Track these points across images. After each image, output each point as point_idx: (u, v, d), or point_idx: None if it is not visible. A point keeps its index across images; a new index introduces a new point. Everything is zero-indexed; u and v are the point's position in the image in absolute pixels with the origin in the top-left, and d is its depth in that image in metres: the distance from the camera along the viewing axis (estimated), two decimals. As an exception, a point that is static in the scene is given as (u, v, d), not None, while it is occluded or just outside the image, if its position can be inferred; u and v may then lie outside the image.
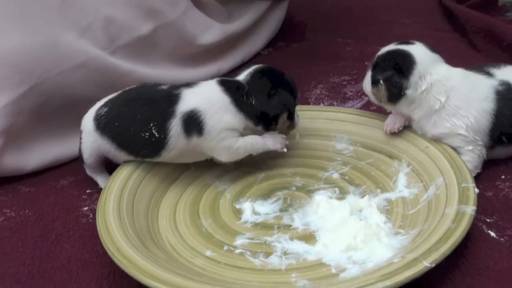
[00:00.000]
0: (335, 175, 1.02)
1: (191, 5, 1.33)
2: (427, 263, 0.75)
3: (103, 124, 0.97)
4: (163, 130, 0.93)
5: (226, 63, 1.43)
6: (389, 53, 1.00)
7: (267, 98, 0.96)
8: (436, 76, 0.97)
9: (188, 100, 0.94)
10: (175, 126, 0.93)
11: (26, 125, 1.05)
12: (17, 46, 1.02)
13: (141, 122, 0.93)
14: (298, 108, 1.12)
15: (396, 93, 0.98)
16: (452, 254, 0.78)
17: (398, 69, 0.97)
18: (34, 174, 1.09)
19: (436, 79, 0.97)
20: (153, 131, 0.93)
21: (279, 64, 1.47)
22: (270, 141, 0.98)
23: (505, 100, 0.98)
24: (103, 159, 1.01)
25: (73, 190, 1.04)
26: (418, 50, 0.99)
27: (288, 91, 0.99)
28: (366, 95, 1.09)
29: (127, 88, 1.01)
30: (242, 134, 0.97)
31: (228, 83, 0.97)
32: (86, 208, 1.00)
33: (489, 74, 1.02)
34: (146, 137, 0.93)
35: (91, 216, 0.97)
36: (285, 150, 0.99)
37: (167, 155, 0.96)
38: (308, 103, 1.29)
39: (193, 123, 0.93)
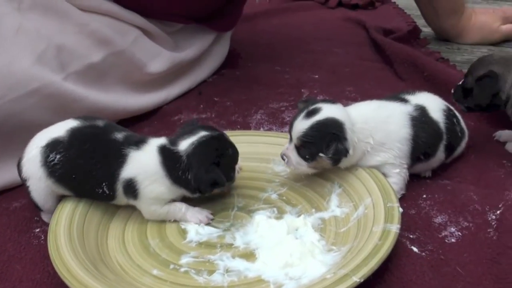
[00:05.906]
0: (274, 196, 1.02)
1: (140, 34, 1.31)
2: (356, 278, 0.76)
3: (58, 174, 0.92)
4: (112, 190, 0.93)
5: (174, 90, 1.42)
6: (316, 128, 0.94)
7: (203, 174, 0.91)
8: (358, 125, 0.96)
9: (131, 167, 0.92)
10: (119, 188, 0.93)
11: None
12: None
13: (96, 180, 0.92)
14: (240, 133, 1.13)
15: (341, 157, 0.95)
16: (379, 268, 0.79)
17: (337, 137, 0.93)
18: (-13, 196, 1.05)
19: (359, 127, 0.96)
20: (105, 189, 0.92)
21: (222, 90, 1.48)
22: (189, 214, 0.96)
23: (420, 124, 1.00)
24: (57, 199, 0.96)
25: (25, 212, 1.01)
26: (331, 110, 0.96)
27: (227, 165, 0.95)
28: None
29: (76, 124, 0.95)
30: (175, 199, 0.96)
31: (168, 154, 0.93)
32: (38, 230, 0.96)
33: (404, 101, 1.04)
34: (99, 192, 0.93)
35: (42, 238, 0.94)
36: (202, 224, 0.95)
37: (117, 204, 0.96)
38: (249, 128, 1.29)
39: (130, 190, 0.92)
